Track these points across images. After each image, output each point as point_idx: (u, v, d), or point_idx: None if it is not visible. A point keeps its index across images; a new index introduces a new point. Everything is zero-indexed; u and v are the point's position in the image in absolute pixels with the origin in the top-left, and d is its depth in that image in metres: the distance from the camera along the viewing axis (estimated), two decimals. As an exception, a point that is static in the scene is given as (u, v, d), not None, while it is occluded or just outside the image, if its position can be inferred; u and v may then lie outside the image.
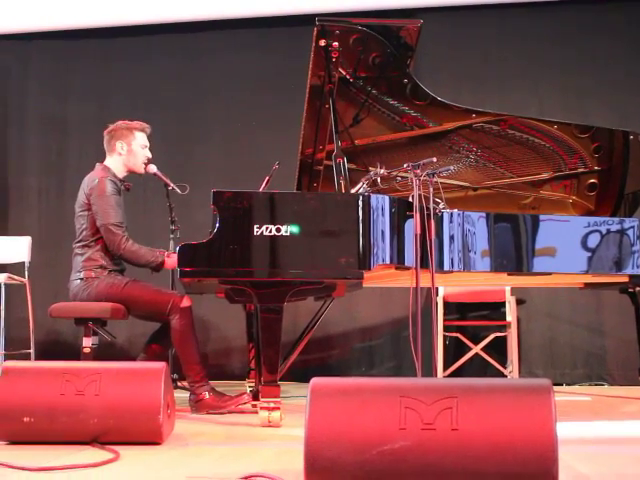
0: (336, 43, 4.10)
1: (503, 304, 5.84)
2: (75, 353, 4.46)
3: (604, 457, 2.89)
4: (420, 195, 3.57)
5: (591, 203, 4.99)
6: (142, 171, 4.59)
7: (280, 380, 3.65)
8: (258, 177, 4.61)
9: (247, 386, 5.00)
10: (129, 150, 4.53)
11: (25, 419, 2.97)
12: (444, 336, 5.75)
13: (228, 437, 3.44)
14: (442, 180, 4.25)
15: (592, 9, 6.22)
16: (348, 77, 4.40)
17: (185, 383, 4.34)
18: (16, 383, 3.04)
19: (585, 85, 6.16)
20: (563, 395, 5.20)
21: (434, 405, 2.07)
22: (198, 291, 4.46)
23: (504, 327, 5.72)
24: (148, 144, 4.59)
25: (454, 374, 5.63)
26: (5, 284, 5.72)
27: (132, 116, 4.68)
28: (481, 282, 5.22)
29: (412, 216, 3.59)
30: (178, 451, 2.97)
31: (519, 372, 5.65)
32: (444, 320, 5.77)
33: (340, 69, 4.28)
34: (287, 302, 3.63)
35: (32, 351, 5.78)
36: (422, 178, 3.60)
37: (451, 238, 4.06)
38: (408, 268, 3.74)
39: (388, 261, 3.70)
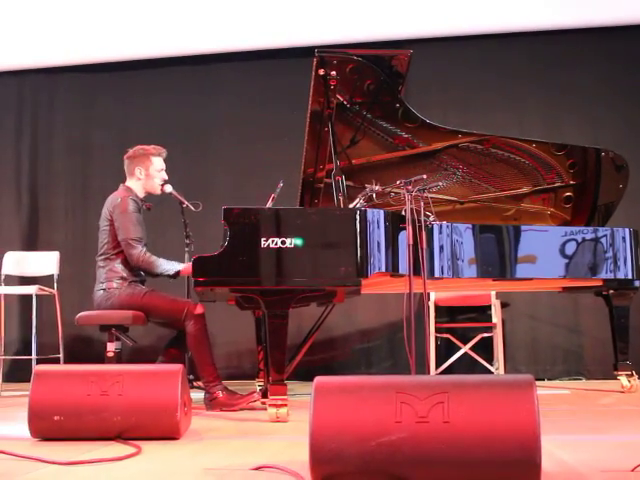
0: (334, 72, 4.10)
1: (489, 307, 5.83)
2: (100, 357, 4.45)
3: (583, 445, 2.87)
4: (412, 209, 3.56)
5: (567, 214, 5.00)
6: (159, 192, 4.60)
7: (286, 379, 3.63)
8: (264, 195, 4.61)
9: (257, 385, 4.99)
10: (147, 174, 4.53)
11: (55, 417, 2.97)
12: (436, 337, 5.73)
13: (240, 432, 3.42)
14: (432, 195, 4.24)
15: (564, 39, 6.24)
16: (345, 103, 4.41)
17: (200, 383, 4.32)
18: (47, 385, 3.03)
19: (562, 106, 6.16)
20: (545, 389, 5.18)
21: (427, 400, 2.06)
22: (211, 299, 4.45)
23: (490, 328, 5.71)
24: (164, 167, 4.60)
25: (445, 372, 5.60)
26: (36, 295, 5.70)
27: (149, 141, 4.68)
28: (469, 287, 5.22)
29: (405, 228, 3.58)
30: (194, 445, 2.95)
31: (504, 369, 5.63)
32: (435, 322, 5.75)
33: (338, 95, 4.28)
34: (292, 308, 3.62)
35: (61, 355, 5.77)
36: (413, 193, 3.60)
37: (441, 248, 4.06)
38: (402, 275, 3.72)
39: (384, 269, 3.69)
